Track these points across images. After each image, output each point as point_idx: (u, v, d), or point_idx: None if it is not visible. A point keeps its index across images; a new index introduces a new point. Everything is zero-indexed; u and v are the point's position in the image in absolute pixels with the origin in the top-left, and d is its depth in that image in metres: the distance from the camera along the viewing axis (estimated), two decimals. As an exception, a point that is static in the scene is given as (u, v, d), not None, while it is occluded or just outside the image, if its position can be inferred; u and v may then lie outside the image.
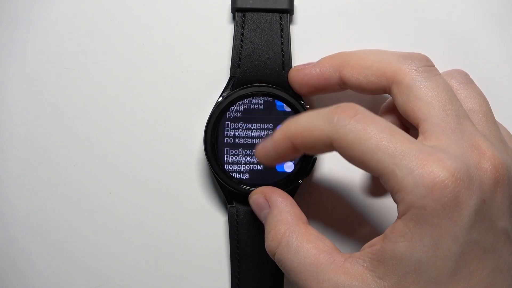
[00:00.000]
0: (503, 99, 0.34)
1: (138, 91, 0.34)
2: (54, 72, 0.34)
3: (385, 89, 0.27)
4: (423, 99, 0.25)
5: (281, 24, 0.32)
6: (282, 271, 0.27)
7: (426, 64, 0.26)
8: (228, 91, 0.32)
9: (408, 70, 0.26)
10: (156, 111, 0.34)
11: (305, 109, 0.31)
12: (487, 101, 0.28)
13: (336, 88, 0.29)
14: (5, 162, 0.34)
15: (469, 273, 0.23)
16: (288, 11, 0.32)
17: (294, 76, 0.31)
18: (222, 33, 0.34)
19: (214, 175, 0.32)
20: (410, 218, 0.22)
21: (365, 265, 0.24)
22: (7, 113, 0.34)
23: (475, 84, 0.28)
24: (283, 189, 0.31)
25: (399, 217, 0.23)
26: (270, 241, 0.27)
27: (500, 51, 0.35)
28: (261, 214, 0.29)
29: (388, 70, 0.27)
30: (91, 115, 0.34)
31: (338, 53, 0.30)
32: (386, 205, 0.33)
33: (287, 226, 0.27)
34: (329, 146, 0.25)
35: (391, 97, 0.30)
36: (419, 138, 0.25)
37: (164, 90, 0.34)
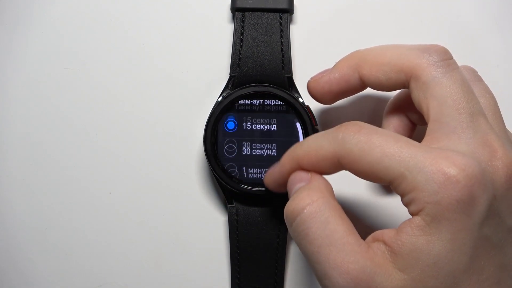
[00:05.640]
0: (503, 99, 0.34)
1: (138, 91, 0.34)
2: (54, 72, 0.34)
3: (404, 84, 0.27)
4: (438, 98, 0.25)
5: (280, 23, 0.32)
6: (296, 239, 0.25)
7: (445, 58, 0.26)
8: (228, 90, 0.32)
9: (426, 65, 0.26)
10: (156, 111, 0.34)
11: (304, 109, 0.31)
12: (495, 99, 0.27)
13: (357, 88, 0.29)
14: (5, 162, 0.34)
15: (480, 267, 0.23)
16: (287, 11, 0.32)
17: (314, 87, 0.30)
18: (222, 32, 0.34)
19: (214, 174, 0.32)
20: (427, 213, 0.22)
21: (385, 256, 0.24)
22: (7, 113, 0.34)
23: (484, 82, 0.28)
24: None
25: (414, 215, 0.23)
26: (296, 204, 0.25)
27: (500, 51, 0.35)
28: (294, 187, 0.26)
29: (407, 65, 0.26)
30: (91, 115, 0.34)
31: (353, 53, 0.29)
32: (387, 205, 0.33)
33: (322, 195, 0.25)
34: (337, 164, 0.25)
35: (394, 96, 0.30)
36: (425, 138, 0.25)
37: (164, 90, 0.34)
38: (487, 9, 0.35)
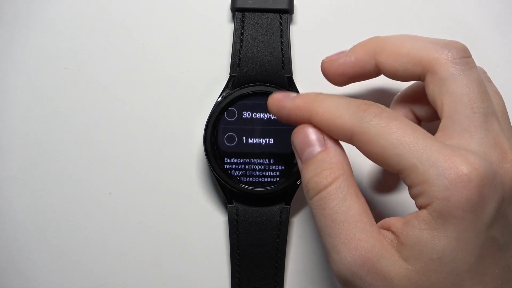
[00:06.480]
0: (504, 99, 0.34)
1: (138, 91, 0.34)
2: (54, 72, 0.34)
3: (420, 77, 0.27)
4: (453, 95, 0.25)
5: (280, 24, 0.32)
6: (313, 211, 0.25)
7: (464, 55, 0.26)
8: (228, 90, 0.32)
9: (444, 60, 0.25)
10: (156, 111, 0.34)
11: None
12: (503, 101, 0.27)
13: (372, 75, 0.29)
14: (5, 162, 0.34)
15: (485, 268, 0.23)
16: (287, 11, 0.32)
17: (328, 68, 0.29)
18: (222, 32, 0.34)
19: (214, 174, 0.32)
20: (434, 209, 0.22)
21: (393, 243, 0.24)
22: (7, 113, 0.34)
23: (493, 83, 0.28)
24: (280, 188, 0.31)
25: (422, 209, 0.23)
26: (323, 178, 0.25)
27: (500, 51, 0.35)
28: (306, 151, 0.26)
29: (425, 58, 0.26)
30: (91, 115, 0.34)
31: (371, 39, 0.29)
32: (389, 203, 0.33)
33: (342, 172, 0.25)
34: (348, 138, 0.25)
35: (404, 89, 0.30)
36: (437, 134, 0.25)
37: (164, 90, 0.34)
38: (487, 9, 0.35)
